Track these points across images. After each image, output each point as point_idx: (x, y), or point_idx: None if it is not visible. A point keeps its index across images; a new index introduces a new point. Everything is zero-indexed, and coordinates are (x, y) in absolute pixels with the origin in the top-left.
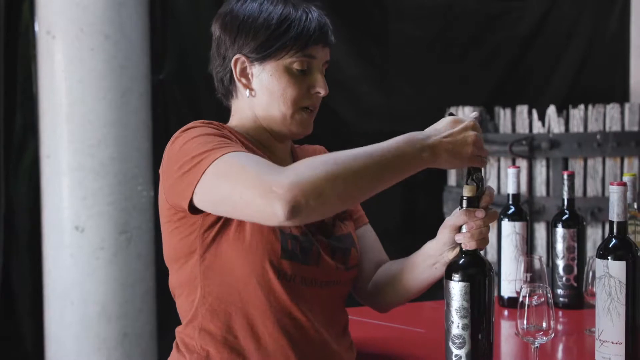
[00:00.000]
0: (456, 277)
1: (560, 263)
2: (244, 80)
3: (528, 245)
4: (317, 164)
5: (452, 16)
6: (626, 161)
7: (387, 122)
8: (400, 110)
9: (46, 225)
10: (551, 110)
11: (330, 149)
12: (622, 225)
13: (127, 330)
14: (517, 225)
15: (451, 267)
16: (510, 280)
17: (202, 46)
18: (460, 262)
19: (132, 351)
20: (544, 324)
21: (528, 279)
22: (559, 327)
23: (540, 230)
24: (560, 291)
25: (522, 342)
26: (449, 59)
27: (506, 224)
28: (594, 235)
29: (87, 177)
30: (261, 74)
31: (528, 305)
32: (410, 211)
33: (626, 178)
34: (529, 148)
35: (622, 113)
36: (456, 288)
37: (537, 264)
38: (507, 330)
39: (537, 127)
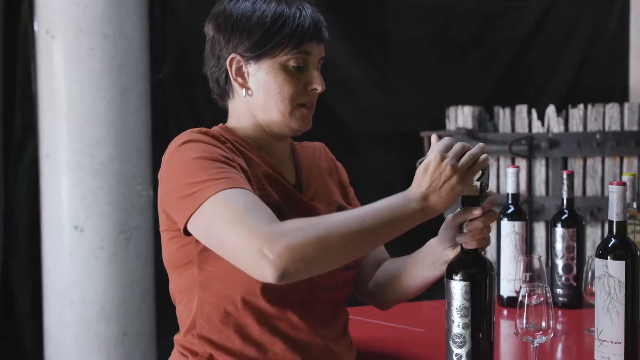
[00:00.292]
0: (457, 276)
1: (560, 262)
2: (240, 80)
3: (527, 245)
4: (309, 229)
5: (451, 16)
6: (625, 161)
7: (386, 122)
8: (400, 110)
9: (45, 225)
10: (550, 109)
11: (330, 148)
12: (622, 225)
13: (127, 329)
14: (517, 224)
15: (452, 266)
16: (510, 280)
17: (201, 46)
18: (461, 261)
19: (132, 351)
20: (543, 324)
21: (527, 279)
22: (558, 326)
23: (540, 229)
24: (559, 291)
25: (521, 341)
26: (449, 58)
27: (505, 224)
28: (593, 235)
29: (86, 177)
30: (257, 73)
31: (527, 305)
32: None
33: (625, 177)
34: (529, 147)
35: (622, 113)
36: (457, 287)
37: (536, 264)
38: (506, 330)
39: (537, 127)
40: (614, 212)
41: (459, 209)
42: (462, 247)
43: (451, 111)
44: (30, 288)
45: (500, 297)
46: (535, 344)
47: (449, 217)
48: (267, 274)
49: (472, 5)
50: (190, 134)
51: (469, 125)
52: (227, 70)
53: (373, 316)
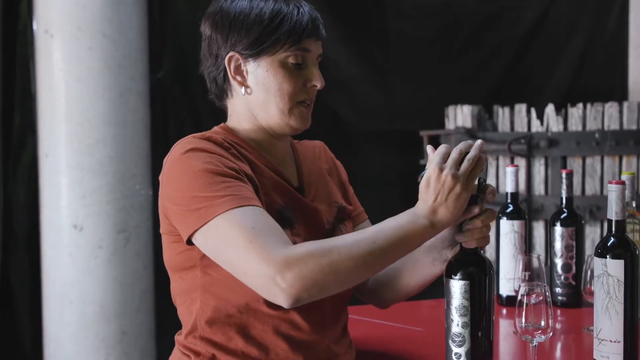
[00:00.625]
0: (456, 275)
1: (559, 262)
2: (239, 78)
3: (526, 244)
4: (320, 256)
5: (451, 15)
6: (625, 160)
7: (386, 121)
8: (399, 109)
9: (45, 224)
10: (550, 109)
11: (330, 148)
12: (621, 224)
13: (126, 329)
14: (516, 223)
15: (451, 265)
16: (509, 279)
17: (200, 45)
18: (461, 260)
19: (131, 350)
20: (543, 323)
21: (526, 278)
22: (558, 325)
23: (539, 228)
24: (558, 290)
25: (520, 340)
26: (448, 58)
27: (505, 223)
28: (592, 234)
29: (85, 176)
30: (256, 71)
31: (526, 304)
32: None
33: (625, 177)
34: (528, 147)
35: (621, 112)
36: (456, 286)
37: (535, 263)
38: (505, 329)
39: (536, 126)
40: (613, 211)
41: None
42: (461, 246)
43: (450, 110)
44: (30, 287)
45: (499, 296)
46: (535, 343)
47: None
48: (280, 301)
49: (472, 5)
50: (194, 141)
51: (468, 124)
52: (225, 69)
53: (372, 315)
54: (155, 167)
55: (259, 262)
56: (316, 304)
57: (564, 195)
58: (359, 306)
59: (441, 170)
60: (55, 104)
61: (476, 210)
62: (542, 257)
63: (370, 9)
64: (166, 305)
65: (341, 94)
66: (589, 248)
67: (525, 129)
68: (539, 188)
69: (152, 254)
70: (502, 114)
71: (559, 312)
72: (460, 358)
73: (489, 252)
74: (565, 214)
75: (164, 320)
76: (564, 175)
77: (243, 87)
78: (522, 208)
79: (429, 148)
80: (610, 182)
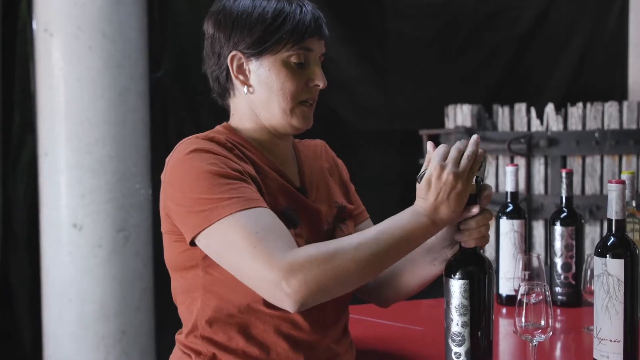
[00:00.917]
0: (456, 274)
1: (559, 261)
2: (241, 77)
3: (526, 243)
4: (324, 261)
5: (450, 15)
6: (624, 159)
7: (386, 121)
8: (399, 109)
9: (44, 223)
10: (549, 108)
11: (330, 148)
12: (621, 223)
13: (125, 328)
14: (516, 223)
15: (451, 264)
16: (509, 278)
17: (200, 44)
18: (460, 260)
19: (130, 349)
20: (542, 322)
21: (526, 277)
22: (557, 325)
23: (539, 228)
24: (558, 289)
25: (520, 340)
26: (448, 57)
27: (504, 222)
28: (592, 233)
29: (85, 175)
30: (259, 70)
31: (526, 303)
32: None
33: (624, 176)
34: (528, 146)
35: (621, 111)
36: (456, 286)
37: (535, 262)
38: (505, 328)
39: (536, 125)
40: (613, 211)
41: None
42: (460, 246)
43: (450, 110)
44: (29, 286)
45: (499, 295)
46: (534, 342)
47: None
48: (286, 306)
49: (471, 4)
50: (198, 142)
51: (468, 123)
52: (228, 67)
53: (372, 315)
54: (155, 166)
55: (263, 267)
56: (317, 305)
57: (563, 195)
58: (359, 305)
59: (442, 168)
60: (54, 103)
61: (475, 210)
62: (542, 257)
63: (369, 9)
64: (166, 304)
65: (341, 93)
66: (588, 247)
67: (525, 129)
68: (538, 187)
69: (151, 253)
70: (501, 114)
71: (558, 311)
72: (459, 357)
73: (489, 252)
74: (565, 214)
75: (164, 319)
76: (563, 174)
77: (245, 86)
78: (522, 207)
79: (429, 144)
80: (610, 182)
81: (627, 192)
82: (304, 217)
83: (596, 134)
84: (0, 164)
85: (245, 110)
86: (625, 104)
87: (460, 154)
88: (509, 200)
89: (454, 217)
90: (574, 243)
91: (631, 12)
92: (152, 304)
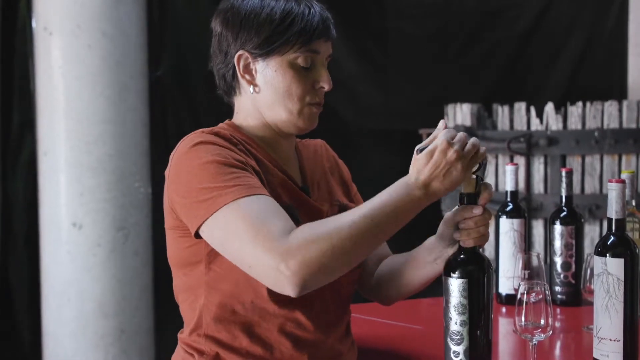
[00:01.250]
0: (454, 273)
1: (558, 260)
2: (247, 77)
3: (526, 243)
4: (322, 240)
5: (450, 14)
6: (624, 158)
7: (386, 120)
8: (399, 108)
9: (43, 222)
10: (549, 107)
11: (330, 147)
12: (621, 223)
13: (124, 326)
14: (515, 222)
15: (449, 263)
16: (508, 278)
17: (199, 43)
18: (459, 258)
19: (130, 348)
20: (542, 321)
21: (526, 276)
22: (557, 324)
23: (538, 227)
24: (558, 288)
25: (520, 339)
26: (448, 56)
27: (504, 221)
28: (591, 233)
29: (84, 174)
30: (265, 70)
31: (526, 303)
32: None
33: (624, 175)
34: (527, 145)
35: (620, 110)
36: (454, 285)
37: (535, 261)
38: (505, 328)
39: (535, 124)
40: (612, 210)
41: (457, 207)
42: (459, 245)
43: (450, 109)
44: (28, 285)
45: (498, 294)
46: (534, 341)
47: (448, 214)
48: (287, 290)
49: (471, 3)
50: (202, 135)
51: (468, 122)
52: (234, 66)
53: (372, 314)
54: (154, 165)
55: (263, 252)
56: (320, 303)
57: (563, 194)
58: (359, 304)
59: (450, 145)
60: (54, 101)
61: (477, 211)
62: (542, 256)
63: (369, 7)
64: (165, 302)
65: (341, 92)
66: (588, 247)
67: (525, 128)
68: (538, 186)
69: (151, 252)
70: (501, 113)
71: (558, 310)
72: (458, 356)
73: (489, 251)
74: (564, 213)
75: (163, 318)
76: (563, 173)
77: (251, 86)
78: (522, 206)
79: (442, 122)
80: (610, 181)
81: (627, 192)
82: (306, 216)
83: (596, 133)
84: None
85: (250, 109)
86: (624, 103)
87: (467, 139)
88: (508, 199)
89: (443, 194)
90: (573, 242)
91: (631, 12)
92: (151, 303)
